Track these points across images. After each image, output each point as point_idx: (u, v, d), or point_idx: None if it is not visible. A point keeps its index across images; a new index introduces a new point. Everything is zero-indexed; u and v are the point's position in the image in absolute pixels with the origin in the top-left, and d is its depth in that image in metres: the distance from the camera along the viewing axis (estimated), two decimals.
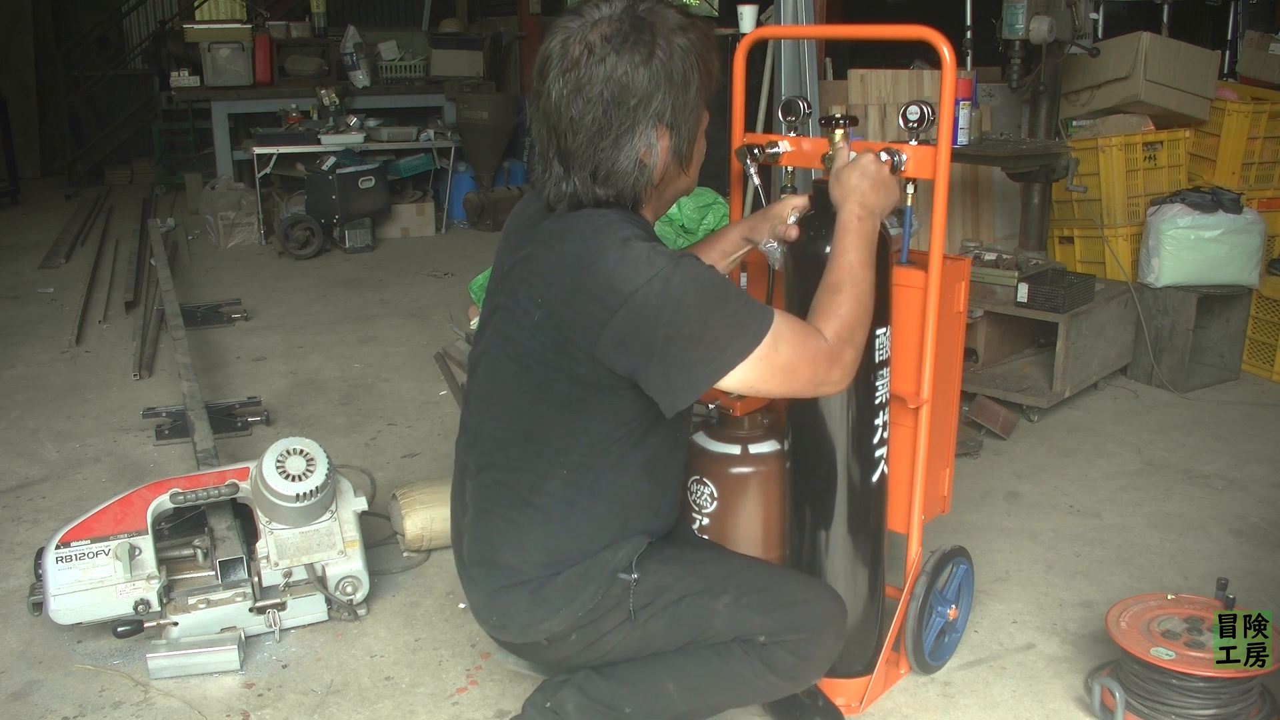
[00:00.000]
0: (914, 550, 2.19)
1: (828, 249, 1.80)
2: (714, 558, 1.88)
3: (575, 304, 1.60)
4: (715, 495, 2.15)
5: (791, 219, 1.89)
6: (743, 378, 1.59)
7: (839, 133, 1.92)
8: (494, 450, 1.78)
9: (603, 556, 1.74)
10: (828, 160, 1.91)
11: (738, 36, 4.75)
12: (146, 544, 2.37)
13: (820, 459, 2.00)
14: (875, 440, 2.02)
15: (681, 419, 1.81)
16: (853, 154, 1.87)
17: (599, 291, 1.57)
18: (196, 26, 7.81)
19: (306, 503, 2.42)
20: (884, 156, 1.90)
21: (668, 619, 1.75)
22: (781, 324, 1.61)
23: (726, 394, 1.77)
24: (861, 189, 1.80)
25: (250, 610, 2.40)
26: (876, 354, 1.97)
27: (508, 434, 1.75)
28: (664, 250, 1.59)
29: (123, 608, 2.33)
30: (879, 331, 1.96)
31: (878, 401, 2.00)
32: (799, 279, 1.93)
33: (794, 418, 2.06)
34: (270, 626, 2.42)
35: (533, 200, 1.77)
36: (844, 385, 1.71)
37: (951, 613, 2.29)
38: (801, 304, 1.83)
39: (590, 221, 1.63)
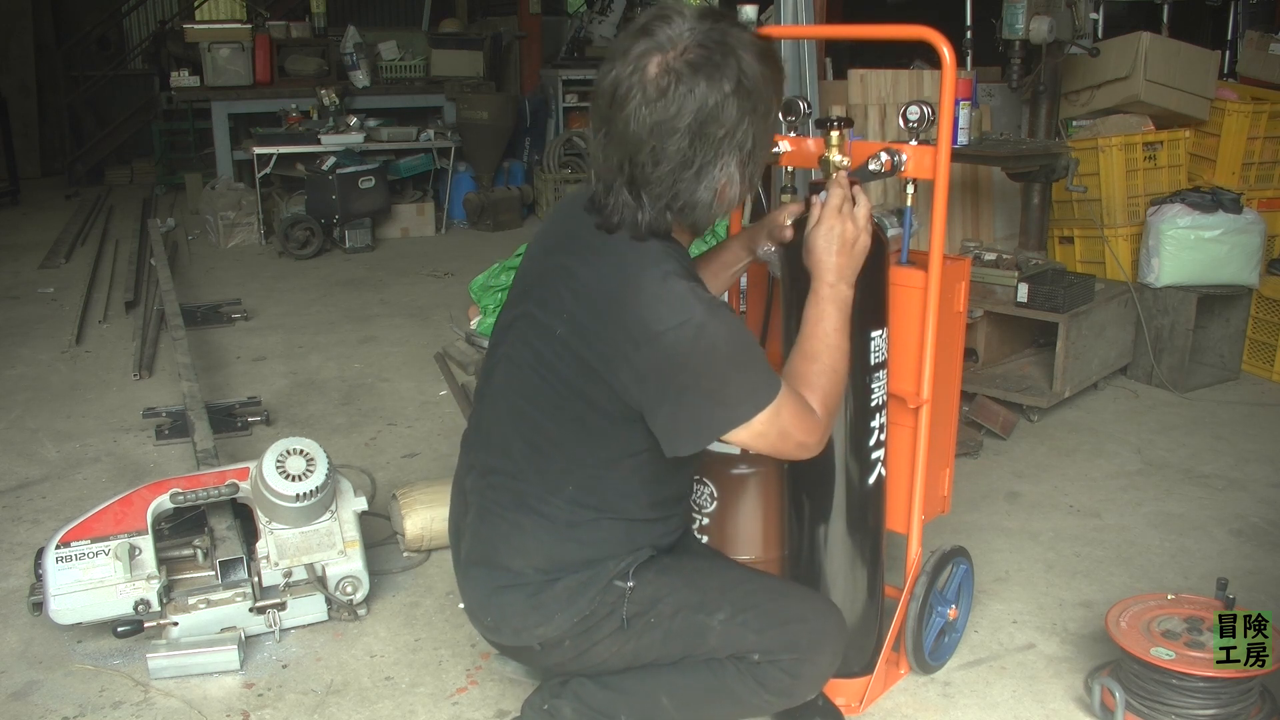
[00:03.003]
0: (914, 550, 2.19)
1: None
2: (711, 569, 1.87)
3: (602, 329, 1.59)
4: (715, 495, 2.15)
5: (788, 222, 1.89)
6: (741, 436, 1.64)
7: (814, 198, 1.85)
8: (503, 454, 1.78)
9: (606, 565, 1.73)
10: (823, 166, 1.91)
11: None
12: (146, 544, 2.37)
13: (818, 461, 2.00)
14: (872, 443, 2.01)
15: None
16: (823, 194, 1.81)
17: (629, 323, 1.57)
18: (196, 26, 7.80)
19: (306, 503, 2.42)
20: (884, 156, 1.90)
21: (662, 633, 1.74)
22: (786, 393, 1.64)
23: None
24: (828, 261, 1.77)
25: (250, 610, 2.40)
26: (872, 356, 1.96)
27: (518, 441, 1.75)
28: (702, 294, 1.59)
29: (123, 608, 2.33)
30: (874, 334, 1.96)
31: (874, 404, 2.00)
32: (793, 279, 1.92)
33: None
34: (270, 626, 2.42)
35: (574, 211, 1.74)
36: (819, 451, 1.75)
37: (951, 613, 2.29)
38: (797, 304, 1.83)
39: (632, 248, 1.61)
